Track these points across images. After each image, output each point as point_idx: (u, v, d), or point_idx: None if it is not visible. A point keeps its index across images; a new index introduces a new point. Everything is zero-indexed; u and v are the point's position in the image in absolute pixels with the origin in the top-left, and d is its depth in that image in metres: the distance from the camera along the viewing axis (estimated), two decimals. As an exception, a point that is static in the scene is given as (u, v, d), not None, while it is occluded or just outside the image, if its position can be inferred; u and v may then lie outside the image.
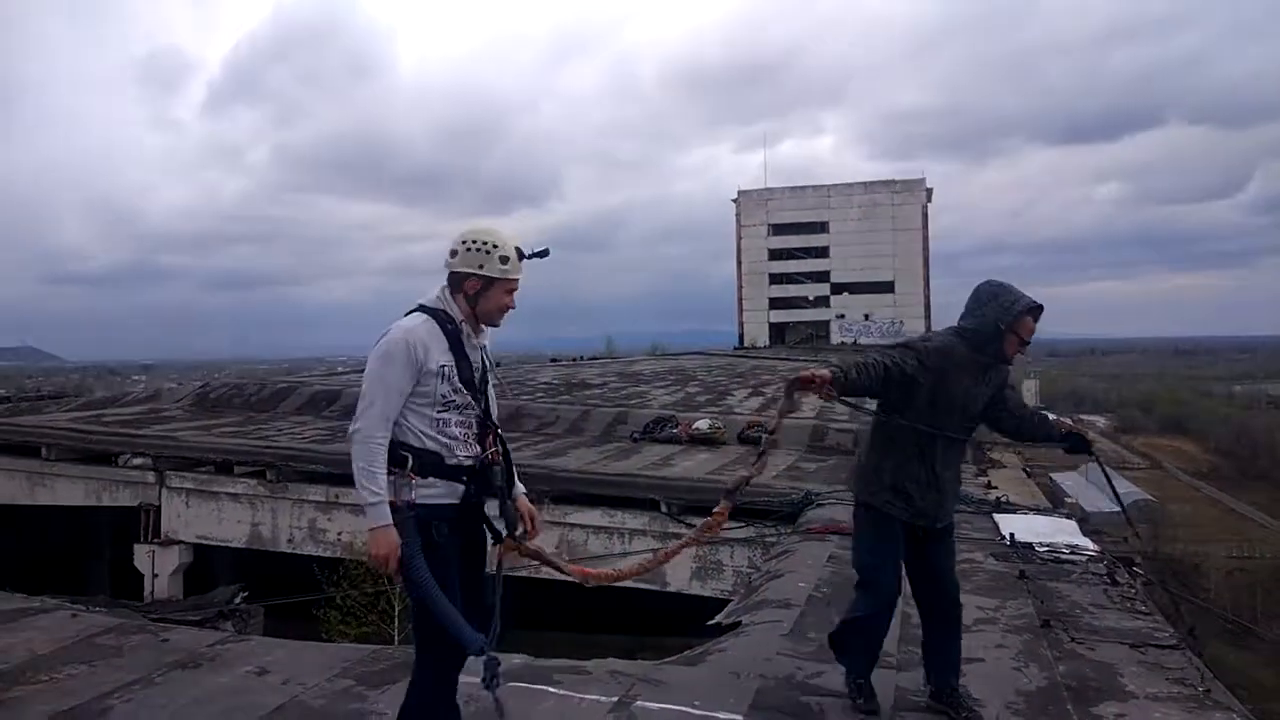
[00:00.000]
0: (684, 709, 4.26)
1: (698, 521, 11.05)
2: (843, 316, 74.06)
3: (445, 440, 3.28)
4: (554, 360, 44.60)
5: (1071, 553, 7.80)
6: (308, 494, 13.20)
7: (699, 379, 30.30)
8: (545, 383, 25.86)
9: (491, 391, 3.50)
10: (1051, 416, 4.47)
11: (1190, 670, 4.93)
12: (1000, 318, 4.03)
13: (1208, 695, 4.55)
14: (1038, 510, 10.26)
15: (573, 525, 12.08)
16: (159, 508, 13.99)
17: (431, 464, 3.23)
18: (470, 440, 3.35)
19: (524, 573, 12.75)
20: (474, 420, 3.37)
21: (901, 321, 69.86)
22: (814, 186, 77.78)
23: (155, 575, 13.71)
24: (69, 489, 14.95)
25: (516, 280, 3.39)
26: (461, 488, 3.30)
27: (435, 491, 3.23)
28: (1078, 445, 4.28)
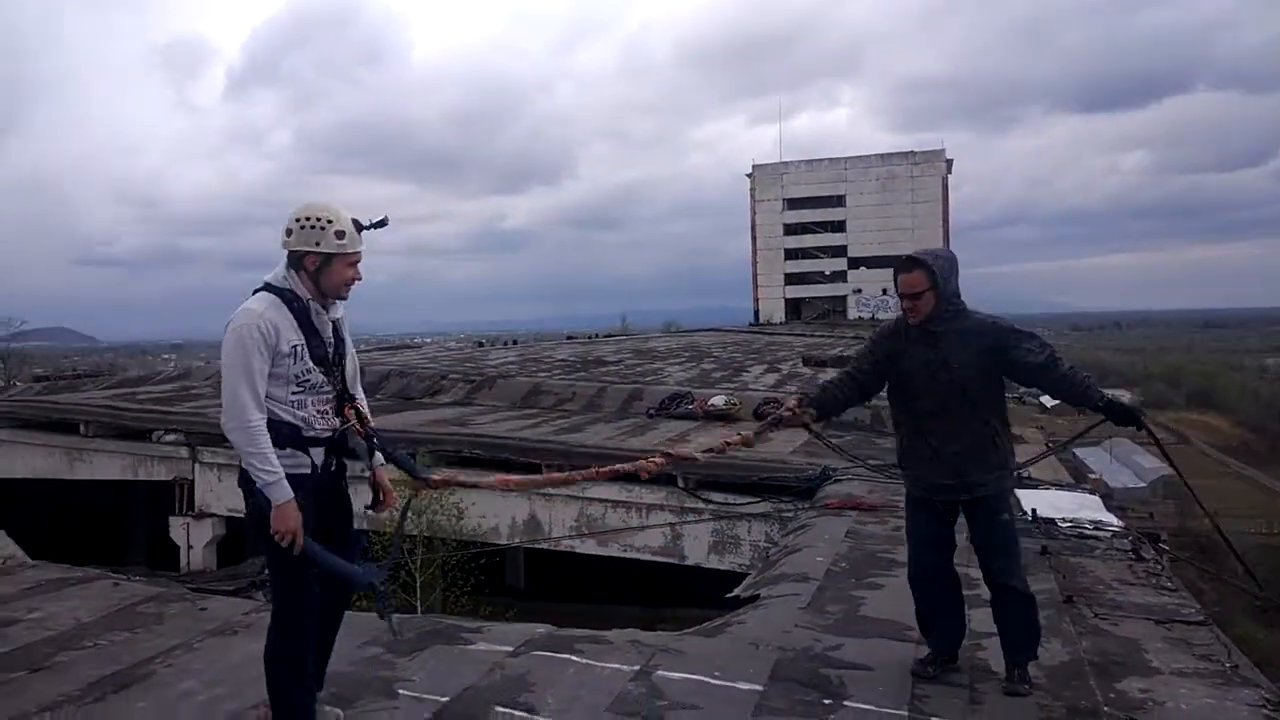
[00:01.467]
0: (704, 679, 4.35)
1: (717, 496, 11.26)
2: (860, 291, 73.48)
3: (301, 415, 3.37)
4: (570, 338, 44.73)
5: (1095, 529, 7.77)
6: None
7: (714, 355, 30.33)
8: (562, 360, 25.99)
9: (350, 362, 3.56)
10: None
11: (1217, 646, 4.90)
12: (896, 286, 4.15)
13: (1235, 671, 4.52)
14: (1060, 486, 10.25)
15: (590, 499, 12.21)
16: (193, 482, 14.29)
17: (288, 436, 3.32)
18: (328, 414, 3.44)
19: (544, 546, 12.96)
20: (330, 396, 3.45)
21: (924, 296, 69.42)
22: (830, 159, 76.97)
23: (190, 547, 14.03)
24: (106, 464, 15.28)
25: (357, 253, 3.42)
26: (309, 459, 3.39)
27: (292, 462, 3.31)
28: (1121, 417, 4.09)
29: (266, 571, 3.51)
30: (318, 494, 3.40)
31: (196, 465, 14.30)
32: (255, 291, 3.41)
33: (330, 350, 3.45)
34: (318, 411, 3.40)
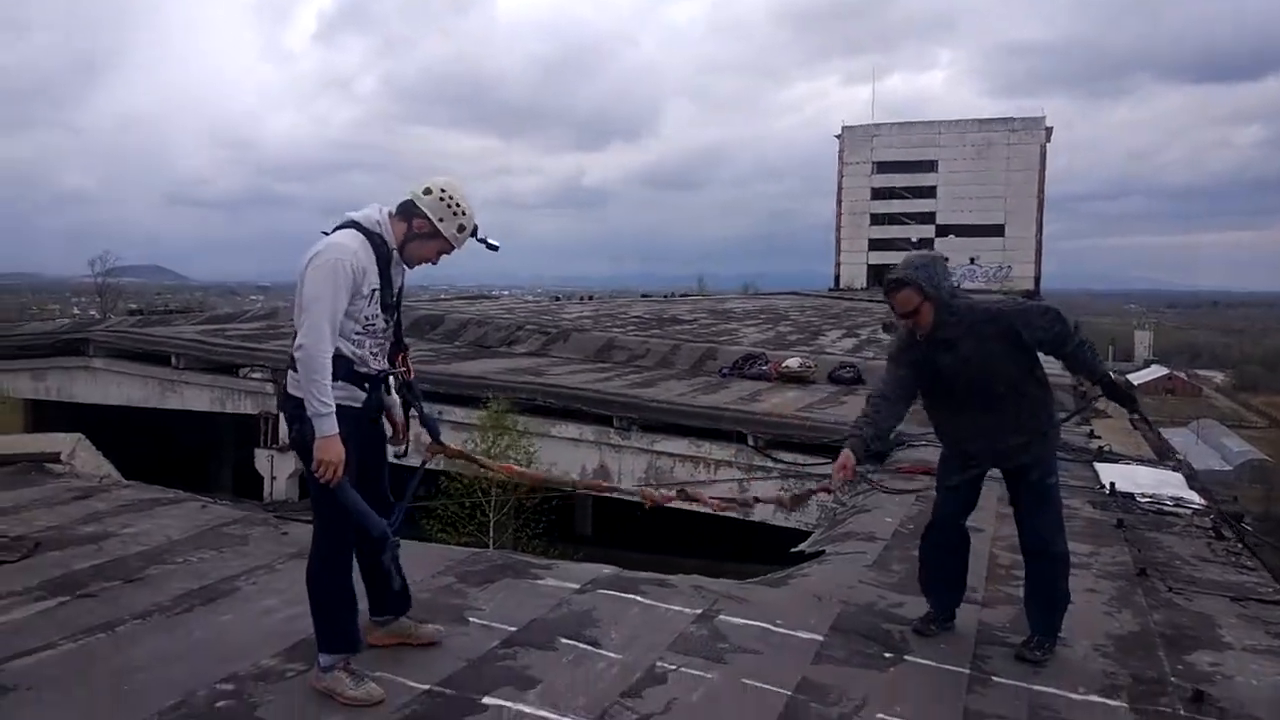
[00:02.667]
0: (766, 625, 4.40)
1: (786, 456, 11.25)
2: (947, 260, 71.79)
3: (359, 353, 3.48)
4: (646, 296, 44.76)
5: (1175, 505, 7.61)
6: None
7: (791, 318, 30.09)
8: (636, 317, 26.08)
9: (400, 314, 3.69)
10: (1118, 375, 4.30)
11: (1293, 626, 4.78)
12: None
13: (1310, 651, 4.42)
14: (1142, 461, 9.99)
15: (659, 453, 12.31)
16: (277, 416, 14.80)
17: (341, 369, 3.38)
18: (380, 357, 3.59)
19: (613, 495, 13.14)
20: (386, 340, 3.60)
21: (1010, 266, 67.41)
22: (923, 123, 74.83)
23: (274, 478, 14.62)
24: (196, 395, 15.97)
25: (454, 249, 3.58)
26: (364, 394, 3.52)
27: (341, 393, 3.38)
28: (1117, 396, 4.12)
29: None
30: (359, 426, 3.50)
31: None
32: (338, 227, 3.49)
33: (395, 299, 3.58)
34: (372, 353, 3.53)
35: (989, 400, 4.09)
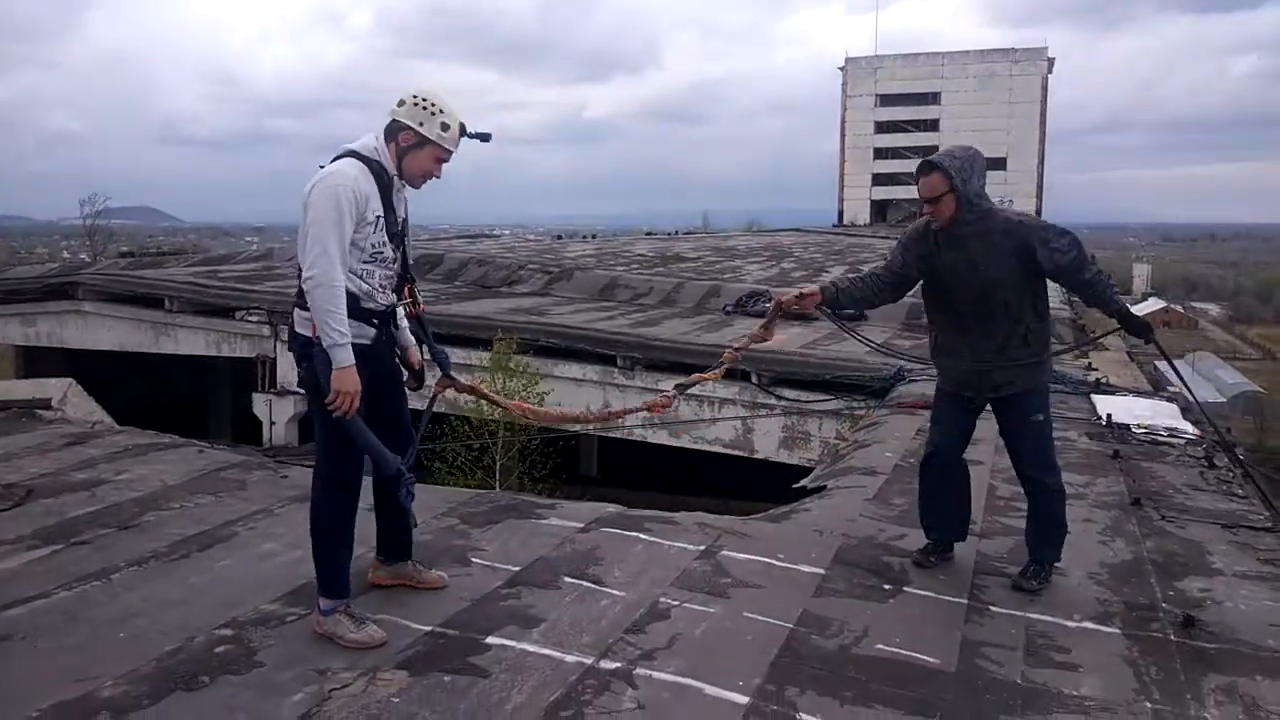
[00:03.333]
0: (768, 560, 4.43)
1: (789, 393, 11.27)
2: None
3: (366, 286, 3.42)
4: (649, 234, 44.44)
5: (1170, 436, 7.65)
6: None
7: (795, 255, 29.95)
8: (640, 255, 25.94)
9: (408, 245, 3.62)
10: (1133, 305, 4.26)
11: (1283, 552, 4.85)
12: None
13: (1300, 576, 4.49)
14: (1138, 393, 10.02)
15: (664, 392, 12.32)
16: (275, 360, 14.77)
17: (349, 306, 3.31)
18: (388, 290, 3.52)
19: (619, 434, 13.19)
20: (394, 272, 3.52)
21: (1011, 200, 66.90)
22: (927, 54, 73.66)
23: (273, 422, 14.61)
24: (191, 339, 15.87)
25: (449, 151, 3.48)
26: (373, 330, 3.47)
27: (353, 331, 3.33)
28: (1133, 328, 4.09)
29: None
30: (371, 365, 3.43)
31: (278, 343, 14.74)
32: (337, 156, 3.44)
33: (400, 228, 3.52)
34: (380, 285, 3.48)
35: (984, 314, 4.08)
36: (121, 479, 5.58)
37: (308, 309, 3.31)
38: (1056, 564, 4.31)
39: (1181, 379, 5.18)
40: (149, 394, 17.52)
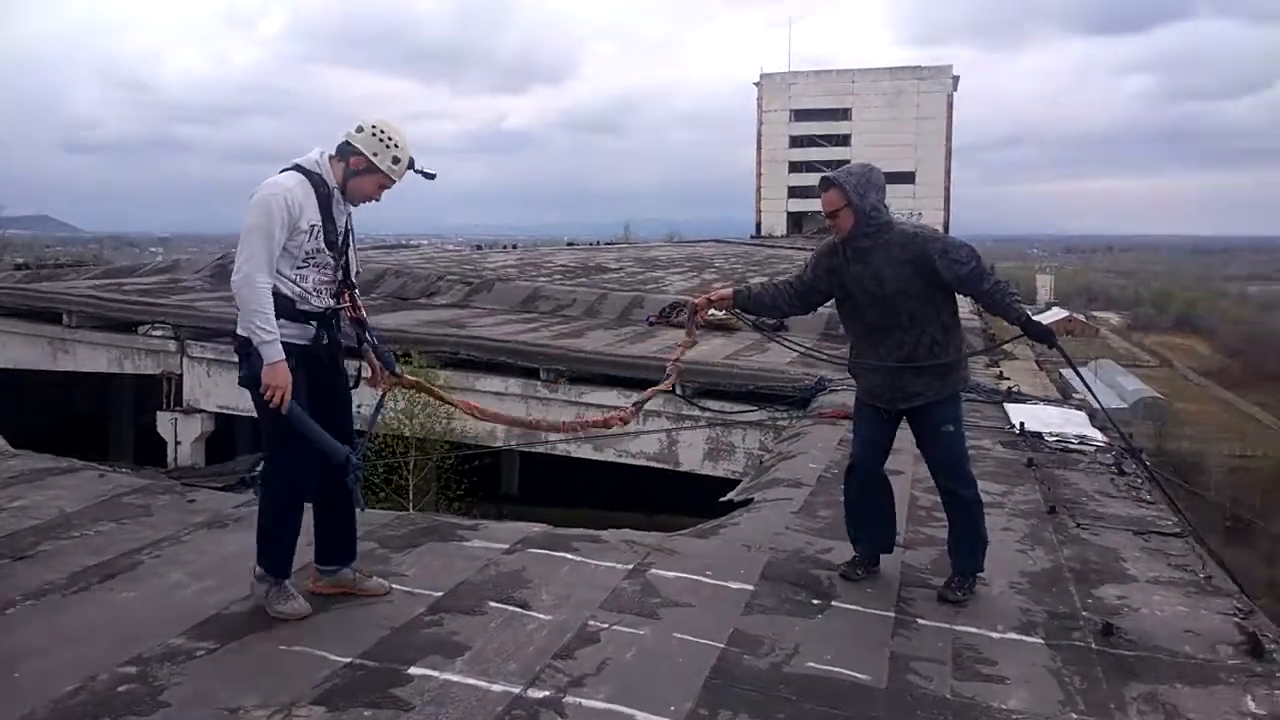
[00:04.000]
0: (697, 577, 4.38)
1: (713, 404, 11.30)
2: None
3: (300, 290, 3.63)
4: (571, 244, 44.34)
5: (1080, 443, 7.87)
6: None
7: (716, 266, 30.21)
8: (562, 265, 25.82)
9: (352, 254, 3.84)
10: (1049, 314, 4.43)
11: (1192, 557, 5.02)
12: None
13: (1209, 581, 4.64)
14: (1049, 401, 10.31)
15: (589, 405, 12.24)
16: (181, 376, 14.22)
17: (284, 308, 3.54)
18: (324, 294, 3.71)
19: (541, 449, 13.04)
20: (333, 277, 3.72)
21: (920, 213, 68.67)
22: (838, 71, 75.41)
23: (178, 442, 14.04)
24: (91, 355, 15.18)
25: (394, 182, 3.74)
26: (311, 330, 3.67)
27: (289, 331, 3.55)
28: (1037, 335, 4.25)
29: (262, 439, 3.83)
30: (309, 365, 3.63)
31: (185, 359, 14.22)
32: (283, 170, 3.66)
33: (340, 238, 3.72)
34: (315, 289, 3.65)
35: (889, 324, 4.17)
36: (17, 506, 5.24)
37: None
38: (979, 574, 4.34)
39: (1086, 384, 5.36)
40: (45, 414, 16.69)
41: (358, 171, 3.65)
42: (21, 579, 4.12)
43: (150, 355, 14.61)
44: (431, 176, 3.80)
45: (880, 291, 4.11)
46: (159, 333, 14.46)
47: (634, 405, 4.94)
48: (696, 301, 4.57)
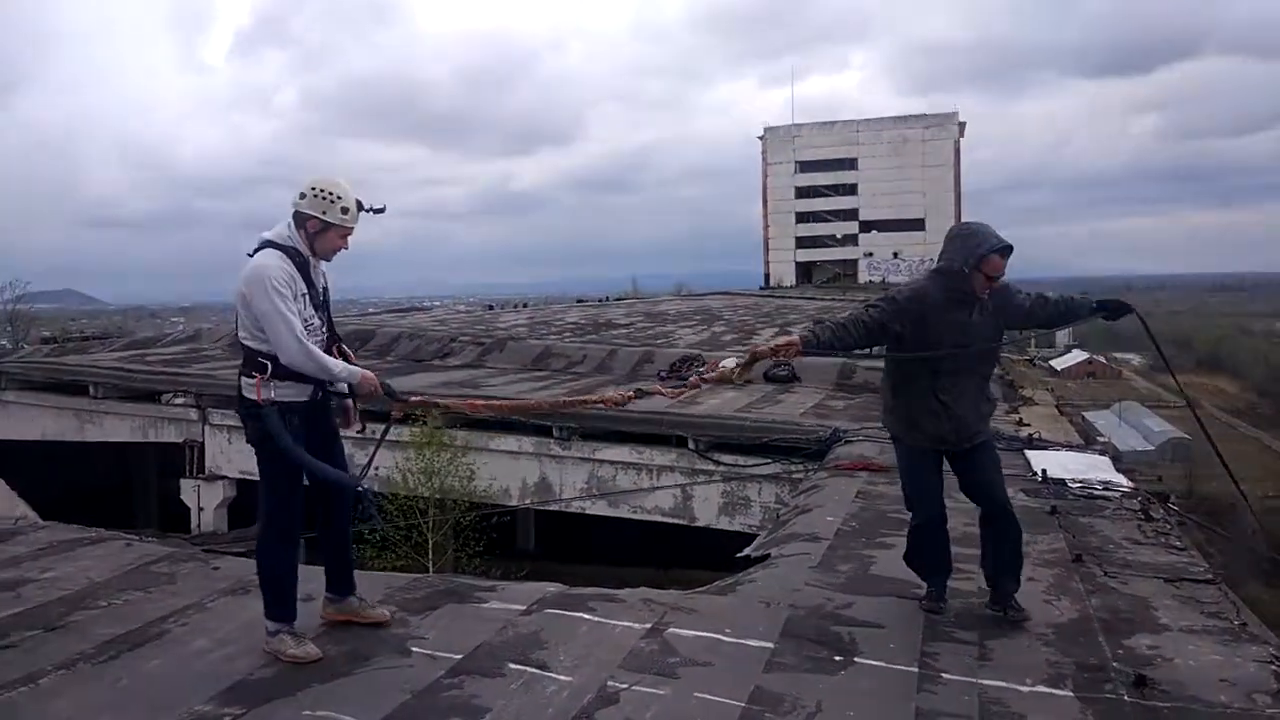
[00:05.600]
0: (716, 636, 4.36)
1: (727, 458, 11.27)
2: (871, 255, 72.94)
3: None
4: (580, 301, 44.59)
5: (1105, 489, 7.77)
6: (345, 432, 13.50)
7: (725, 318, 30.26)
8: (572, 323, 25.94)
9: (329, 310, 4.18)
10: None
11: (1225, 605, 4.92)
12: (966, 258, 4.33)
13: (1243, 629, 4.54)
14: (1070, 447, 10.22)
15: (601, 461, 12.24)
16: (203, 444, 14.34)
17: (286, 370, 3.87)
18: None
19: (555, 507, 13.00)
20: (322, 337, 4.05)
21: (931, 259, 68.49)
22: (842, 122, 76.12)
23: (201, 509, 14.12)
24: (116, 426, 15.35)
25: (351, 228, 4.03)
26: (310, 387, 3.98)
27: (289, 391, 3.92)
28: (1117, 309, 4.59)
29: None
30: (310, 418, 4.02)
31: (207, 427, 14.35)
32: (259, 248, 3.94)
33: (321, 298, 4.07)
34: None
35: (969, 370, 4.45)
36: (47, 577, 5.30)
37: (252, 376, 3.88)
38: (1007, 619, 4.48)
39: (1165, 359, 5.50)
40: (72, 482, 16.82)
41: (317, 233, 3.95)
42: (53, 649, 4.17)
43: (173, 424, 14.77)
44: (381, 210, 4.08)
45: (975, 337, 4.40)
46: (181, 401, 14.63)
47: (636, 391, 4.87)
48: (759, 350, 4.58)
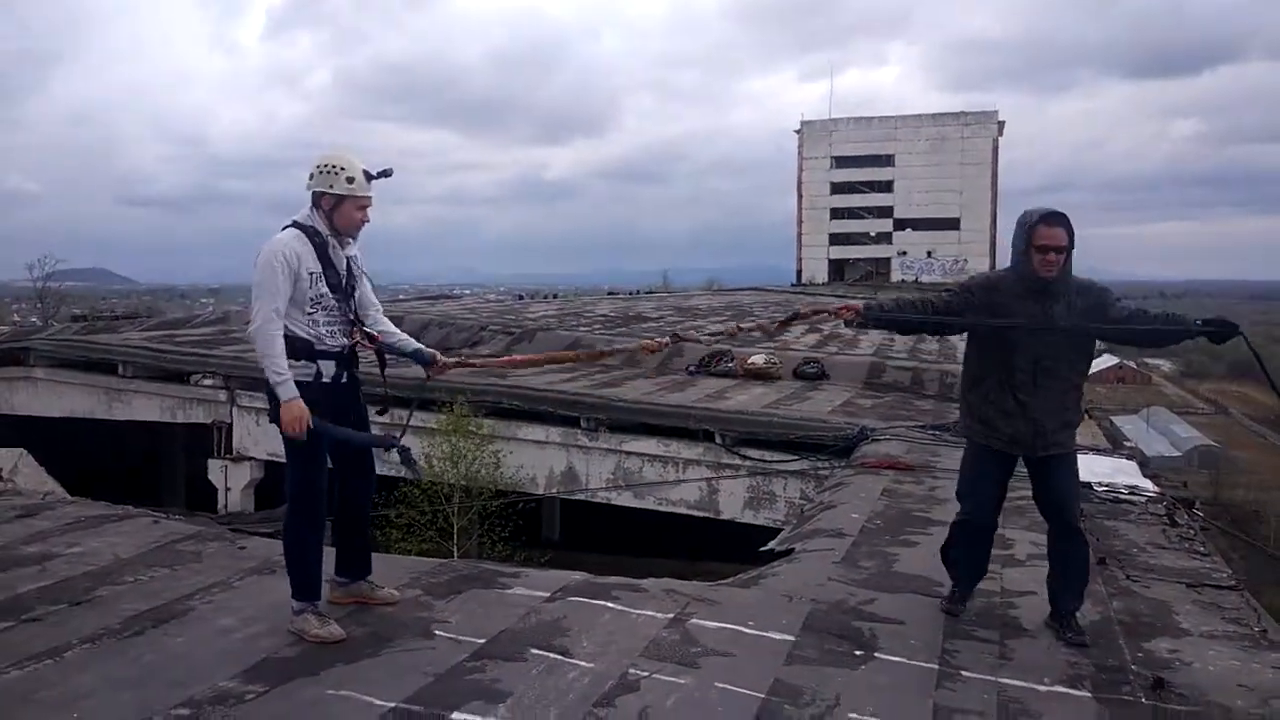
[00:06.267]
0: (737, 628, 4.37)
1: (754, 453, 11.26)
2: (904, 253, 72.51)
3: (314, 332, 4.02)
4: (611, 293, 44.67)
5: (1130, 493, 7.73)
6: (371, 416, 13.61)
7: (755, 314, 30.18)
8: (602, 315, 25.99)
9: (364, 293, 4.22)
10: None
11: (1247, 611, 4.91)
12: (1021, 238, 4.19)
13: (1263, 635, 4.53)
14: (1097, 451, 10.15)
15: (628, 453, 12.26)
16: (231, 425, 14.51)
17: (303, 349, 3.97)
18: (337, 334, 4.09)
19: (581, 496, 13.08)
20: (341, 318, 4.09)
21: (965, 260, 68.10)
22: (880, 118, 75.57)
23: (228, 489, 14.29)
24: (145, 405, 15.55)
25: (366, 197, 4.04)
26: (331, 367, 4.06)
27: (305, 371, 3.98)
28: (1223, 330, 4.19)
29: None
30: (328, 400, 4.03)
31: (235, 409, 14.51)
32: (284, 227, 4.04)
33: (343, 280, 4.10)
34: (328, 330, 4.05)
35: (1048, 370, 4.23)
36: (73, 552, 5.39)
37: None
38: (1026, 626, 4.37)
39: (1270, 379, 5.01)
40: (100, 460, 17.07)
41: (332, 208, 4.01)
42: (78, 624, 4.24)
43: (201, 404, 14.94)
44: (388, 174, 4.10)
45: (1050, 335, 4.19)
46: (209, 382, 14.79)
47: (671, 337, 5.05)
48: (847, 310, 4.45)
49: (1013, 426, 4.30)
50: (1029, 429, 4.26)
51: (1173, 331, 4.27)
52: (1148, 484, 8.15)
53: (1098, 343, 4.62)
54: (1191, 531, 6.65)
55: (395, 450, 4.14)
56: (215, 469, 14.48)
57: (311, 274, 3.97)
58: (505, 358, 5.14)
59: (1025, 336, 4.20)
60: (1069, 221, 4.13)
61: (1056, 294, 4.18)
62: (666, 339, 4.95)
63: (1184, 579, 5.42)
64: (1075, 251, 4.18)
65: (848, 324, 4.63)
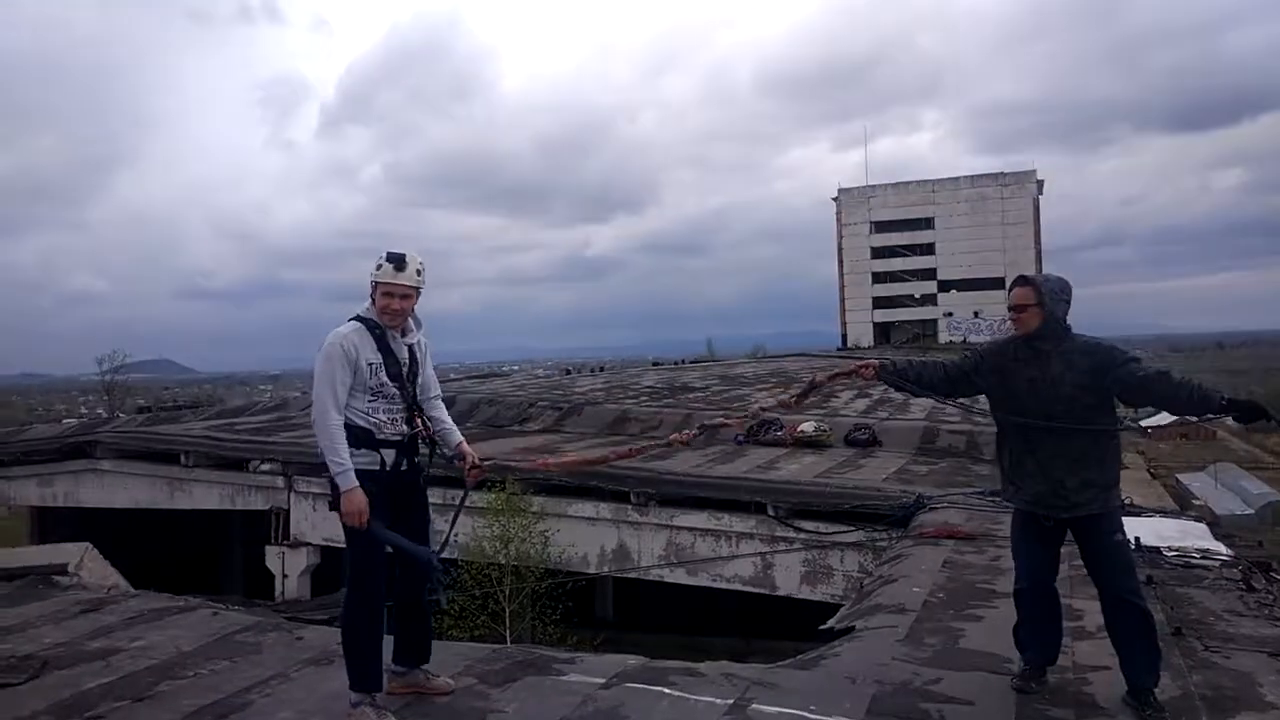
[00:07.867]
0: (800, 713, 4.25)
1: (808, 525, 11.09)
2: (951, 314, 72.05)
3: (374, 420, 4.08)
4: (656, 364, 44.78)
5: (1203, 557, 7.45)
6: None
7: (802, 381, 30.02)
8: (648, 386, 26.03)
9: (426, 379, 4.28)
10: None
11: (1337, 680, 4.66)
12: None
13: (1356, 707, 4.30)
14: (1164, 513, 9.84)
15: (679, 528, 12.14)
16: (288, 511, 14.66)
17: (364, 438, 4.04)
18: (399, 422, 4.14)
19: (633, 575, 12.93)
20: (402, 406, 4.15)
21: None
22: (917, 182, 75.98)
23: (285, 575, 14.37)
24: (205, 494, 15.80)
25: (390, 284, 4.08)
26: (391, 455, 4.10)
27: (366, 459, 4.03)
28: (1248, 413, 4.05)
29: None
30: (389, 488, 4.08)
31: (292, 494, 14.68)
32: (349, 320, 4.17)
33: (404, 369, 4.17)
34: (388, 418, 4.11)
35: (1058, 430, 4.18)
36: (136, 646, 5.45)
37: None
38: (1103, 705, 4.14)
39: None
40: (161, 549, 17.33)
41: (373, 298, 4.12)
42: (142, 720, 4.25)
43: (259, 491, 15.13)
44: (399, 257, 4.08)
45: (1052, 395, 4.18)
46: (267, 468, 15.01)
47: (700, 429, 5.12)
48: (866, 370, 4.60)
49: (1034, 486, 4.30)
50: (1048, 488, 4.24)
51: (1197, 405, 4.01)
52: (1220, 546, 7.86)
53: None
54: (1270, 596, 6.38)
55: (431, 571, 4.18)
56: (272, 555, 14.60)
57: (370, 364, 4.06)
58: (540, 460, 5.17)
59: (1030, 398, 4.25)
60: (1038, 282, 4.24)
61: (1050, 354, 4.22)
62: (696, 430, 5.01)
63: (1265, 648, 5.19)
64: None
65: (869, 379, 4.69)
